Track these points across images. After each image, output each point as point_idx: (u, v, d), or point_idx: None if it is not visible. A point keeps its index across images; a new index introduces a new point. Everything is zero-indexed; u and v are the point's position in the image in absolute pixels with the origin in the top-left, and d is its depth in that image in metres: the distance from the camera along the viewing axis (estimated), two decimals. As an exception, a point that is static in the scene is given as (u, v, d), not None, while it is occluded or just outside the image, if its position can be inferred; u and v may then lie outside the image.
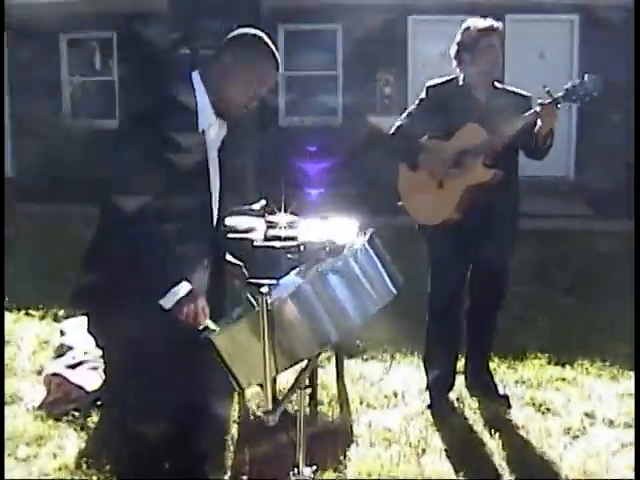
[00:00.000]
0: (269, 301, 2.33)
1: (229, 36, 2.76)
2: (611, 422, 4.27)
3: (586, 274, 7.45)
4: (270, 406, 2.42)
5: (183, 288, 2.56)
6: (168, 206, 2.55)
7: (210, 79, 2.71)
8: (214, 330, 2.60)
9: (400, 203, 4.44)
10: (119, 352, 2.70)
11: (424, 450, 3.89)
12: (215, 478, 3.40)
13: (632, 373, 4.88)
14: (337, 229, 4.24)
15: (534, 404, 4.48)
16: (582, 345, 5.39)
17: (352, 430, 4.11)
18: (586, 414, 4.35)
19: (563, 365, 5.05)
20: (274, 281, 2.98)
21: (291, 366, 2.45)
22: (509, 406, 4.43)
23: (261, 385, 2.47)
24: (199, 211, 2.73)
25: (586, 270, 7.61)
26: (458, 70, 4.33)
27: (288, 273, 3.06)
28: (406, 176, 4.43)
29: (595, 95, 3.97)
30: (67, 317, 5.40)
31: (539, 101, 4.03)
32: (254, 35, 2.73)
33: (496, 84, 4.32)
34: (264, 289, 2.34)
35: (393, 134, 4.40)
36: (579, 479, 3.66)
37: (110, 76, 12.99)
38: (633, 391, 4.64)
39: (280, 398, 2.51)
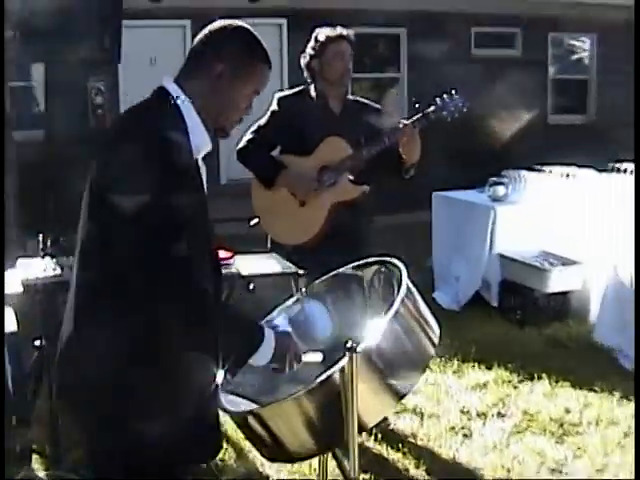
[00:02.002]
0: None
1: (211, 33, 2.17)
2: (484, 414, 4.44)
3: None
4: (356, 473, 2.16)
5: (271, 336, 2.14)
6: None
7: (198, 92, 2.14)
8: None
9: (254, 222, 4.20)
10: None
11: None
12: None
13: (474, 364, 5.13)
14: (267, 263, 3.87)
15: (407, 409, 4.51)
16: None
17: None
18: (461, 411, 4.48)
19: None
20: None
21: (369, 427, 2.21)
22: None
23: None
24: (209, 252, 2.23)
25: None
26: (309, 81, 4.20)
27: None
28: (262, 193, 4.18)
29: (464, 111, 4.00)
30: None
31: (403, 121, 3.89)
32: (249, 30, 2.20)
33: (348, 95, 4.25)
34: (350, 344, 2.06)
35: (242, 149, 4.15)
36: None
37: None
38: (481, 381, 4.90)
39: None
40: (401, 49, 12.00)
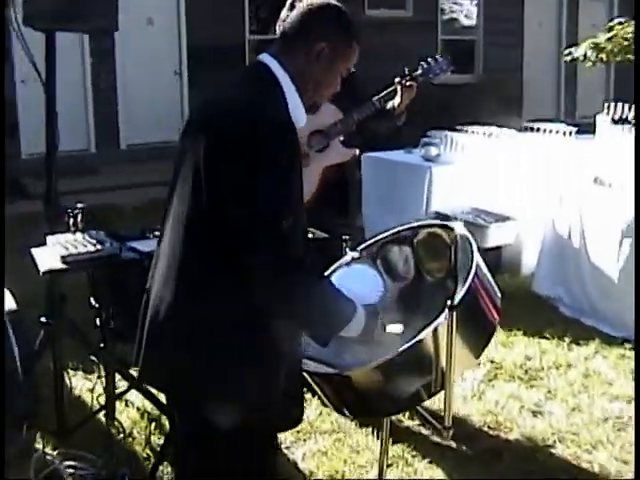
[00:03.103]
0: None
1: (311, 11, 2.18)
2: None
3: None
4: (450, 421, 2.32)
5: (362, 311, 2.21)
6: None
7: (297, 69, 2.20)
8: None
9: None
10: None
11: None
12: None
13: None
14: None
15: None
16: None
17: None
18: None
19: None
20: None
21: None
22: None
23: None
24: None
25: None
26: None
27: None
28: None
29: (448, 74, 4.21)
30: None
31: (397, 80, 4.04)
32: (344, 10, 2.24)
33: None
34: (450, 302, 2.20)
35: None
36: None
37: None
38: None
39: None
40: (296, 9, 12.02)
